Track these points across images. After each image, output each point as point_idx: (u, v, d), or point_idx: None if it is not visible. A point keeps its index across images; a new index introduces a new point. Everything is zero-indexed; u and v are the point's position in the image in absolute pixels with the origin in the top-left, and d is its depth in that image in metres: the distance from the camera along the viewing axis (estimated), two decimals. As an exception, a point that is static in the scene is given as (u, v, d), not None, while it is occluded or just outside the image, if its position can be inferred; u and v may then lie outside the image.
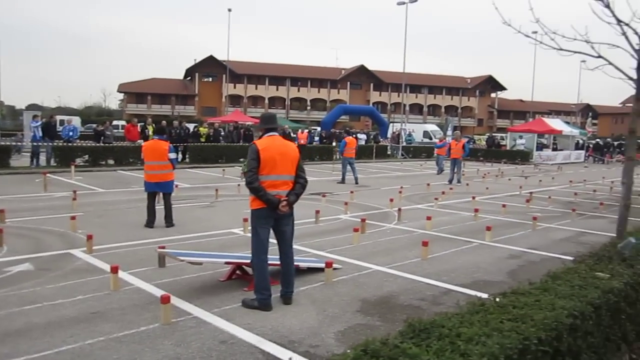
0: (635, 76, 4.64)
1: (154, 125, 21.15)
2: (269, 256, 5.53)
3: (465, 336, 2.61)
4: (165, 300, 4.86)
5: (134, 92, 76.22)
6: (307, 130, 34.19)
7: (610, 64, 4.66)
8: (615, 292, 3.81)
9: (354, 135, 23.28)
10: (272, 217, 5.42)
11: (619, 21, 4.53)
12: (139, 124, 24.65)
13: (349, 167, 18.23)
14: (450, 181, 18.95)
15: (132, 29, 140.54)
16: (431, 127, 50.50)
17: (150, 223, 9.46)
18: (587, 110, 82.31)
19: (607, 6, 4.52)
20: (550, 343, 2.89)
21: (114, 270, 5.85)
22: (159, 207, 9.70)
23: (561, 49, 4.73)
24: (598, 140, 46.06)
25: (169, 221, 9.57)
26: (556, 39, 4.69)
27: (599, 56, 4.70)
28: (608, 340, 3.83)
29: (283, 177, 5.42)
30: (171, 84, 79.28)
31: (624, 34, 4.53)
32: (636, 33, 4.52)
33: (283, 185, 5.42)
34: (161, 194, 9.77)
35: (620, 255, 4.58)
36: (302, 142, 27.47)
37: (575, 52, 4.70)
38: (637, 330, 4.43)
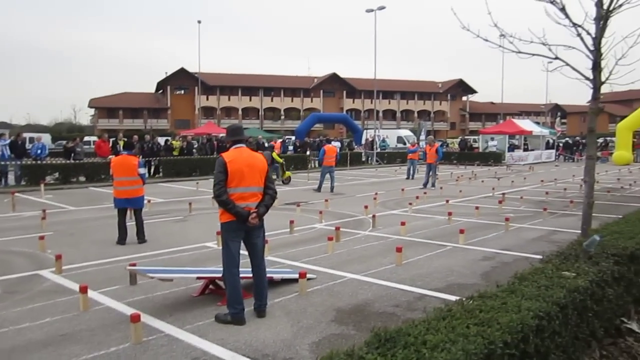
0: (591, 76, 4.74)
1: (124, 140, 20.91)
2: (241, 269, 5.48)
3: (430, 344, 2.61)
4: (135, 319, 4.76)
5: (105, 107, 75.21)
6: (280, 140, 34.12)
7: (568, 64, 4.75)
8: (580, 291, 3.85)
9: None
10: (243, 230, 5.38)
11: (573, 23, 4.63)
12: (110, 140, 24.35)
13: (327, 175, 18.17)
14: (425, 185, 19.11)
15: (102, 43, 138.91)
16: (405, 133, 50.86)
17: (121, 240, 9.31)
18: (556, 110, 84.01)
19: (562, 9, 4.62)
20: (516, 346, 2.90)
21: (83, 290, 5.73)
22: (131, 224, 9.55)
23: (520, 52, 4.82)
24: (567, 139, 46.94)
25: (141, 237, 9.43)
26: (515, 42, 4.77)
27: (556, 58, 4.78)
28: (577, 338, 3.88)
29: (251, 189, 5.38)
30: (143, 97, 78.47)
31: (578, 35, 4.63)
32: (590, 34, 4.63)
33: (252, 197, 5.38)
34: (132, 210, 9.63)
35: (586, 254, 4.64)
36: (276, 151, 27.24)
37: (534, 54, 4.78)
38: (606, 327, 4.50)
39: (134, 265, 6.75)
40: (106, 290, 6.39)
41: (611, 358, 4.39)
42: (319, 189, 17.95)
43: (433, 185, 19.19)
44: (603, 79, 4.80)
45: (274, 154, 20.62)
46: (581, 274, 4.14)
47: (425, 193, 16.56)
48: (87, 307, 5.70)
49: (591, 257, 4.63)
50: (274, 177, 19.30)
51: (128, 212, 9.67)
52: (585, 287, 3.95)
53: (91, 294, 5.96)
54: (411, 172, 23.37)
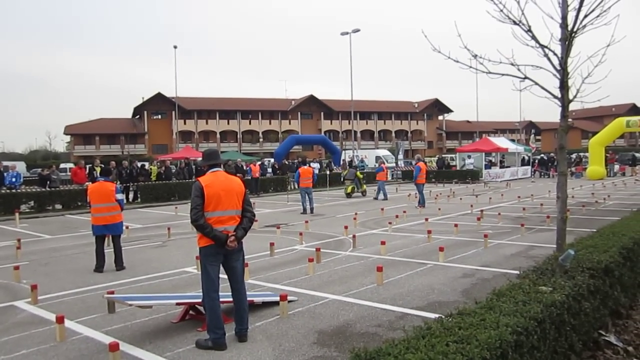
0: (559, 95, 4.88)
1: (101, 166, 20.72)
2: (221, 293, 5.45)
3: (410, 362, 2.63)
4: (113, 347, 4.69)
5: (81, 134, 74.45)
6: (259, 162, 34.02)
7: (537, 84, 4.89)
8: (557, 305, 3.91)
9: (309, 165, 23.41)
10: (221, 254, 5.37)
11: (540, 44, 4.78)
12: (86, 166, 24.08)
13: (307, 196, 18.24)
14: (420, 203, 18.98)
15: (77, 69, 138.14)
16: (383, 152, 51.41)
17: (99, 267, 9.18)
18: (530, 127, 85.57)
19: (528, 31, 4.77)
20: (495, 361, 2.93)
21: (60, 320, 5.62)
22: (109, 251, 9.43)
23: (490, 72, 4.95)
24: (542, 155, 47.70)
25: (119, 264, 9.31)
26: (485, 63, 4.90)
27: (526, 77, 4.92)
28: (555, 352, 3.92)
29: (229, 212, 5.39)
30: (119, 123, 77.90)
31: (545, 55, 4.78)
32: (556, 55, 4.77)
33: (230, 221, 5.39)
34: (110, 237, 9.52)
35: (561, 268, 4.72)
36: (256, 175, 27.14)
37: (503, 74, 4.92)
38: (584, 340, 4.55)
39: (112, 293, 6.67)
40: (84, 320, 6.28)
41: (590, 371, 4.45)
42: (304, 211, 17.96)
43: (419, 203, 18.99)
44: (571, 97, 4.95)
45: (357, 173, 25.73)
46: (557, 289, 4.21)
47: (404, 212, 16.65)
48: (64, 337, 5.59)
49: (567, 272, 4.70)
50: (355, 189, 24.71)
51: (106, 239, 9.56)
52: (561, 302, 4.01)
53: (68, 323, 5.86)
54: (381, 191, 23.02)
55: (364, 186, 25.49)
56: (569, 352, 4.27)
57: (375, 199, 22.63)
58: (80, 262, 10.03)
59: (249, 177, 26.57)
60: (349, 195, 24.40)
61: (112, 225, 9.35)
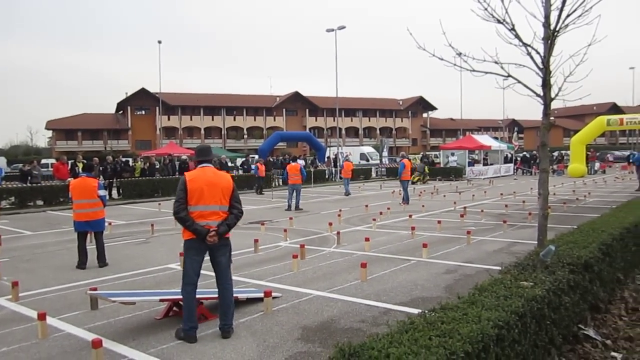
0: (542, 93, 4.95)
1: (83, 162, 20.48)
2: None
3: (394, 356, 2.65)
4: (96, 344, 4.66)
5: (63, 129, 73.45)
6: (264, 161, 33.36)
7: (520, 82, 4.95)
8: (538, 300, 3.97)
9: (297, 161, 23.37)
10: (203, 248, 5.43)
11: (523, 43, 4.84)
12: (68, 162, 23.79)
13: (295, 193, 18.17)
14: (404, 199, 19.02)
15: (59, 63, 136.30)
16: (367, 150, 51.50)
17: (81, 264, 9.10)
18: (513, 125, 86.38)
19: (512, 29, 4.83)
20: (477, 355, 2.97)
21: (42, 317, 5.57)
22: (91, 247, 9.35)
23: (474, 70, 5.00)
24: (525, 153, 48.21)
25: (101, 261, 9.23)
26: (469, 61, 4.95)
27: (509, 75, 4.98)
28: (536, 346, 3.98)
29: (212, 207, 5.42)
30: (103, 118, 77.06)
31: (528, 54, 4.84)
32: (539, 53, 4.84)
33: (213, 216, 5.41)
34: (92, 233, 9.43)
35: (542, 263, 4.79)
36: (262, 174, 26.43)
37: (487, 72, 4.97)
38: (564, 334, 4.63)
39: (94, 289, 6.61)
40: (66, 317, 6.24)
41: (570, 364, 4.53)
42: (288, 208, 17.95)
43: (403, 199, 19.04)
44: (553, 95, 5.02)
45: (426, 168, 32.81)
46: (538, 284, 4.27)
47: (388, 209, 16.73)
48: (46, 334, 5.54)
49: (548, 267, 4.77)
50: (421, 180, 31.23)
51: (88, 235, 9.47)
52: (542, 296, 4.07)
53: (50, 320, 5.81)
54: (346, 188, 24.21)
55: (427, 177, 32.14)
56: (549, 346, 4.34)
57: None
58: (62, 258, 9.94)
59: (256, 175, 26.31)
60: (414, 183, 28.95)
61: (94, 221, 9.26)
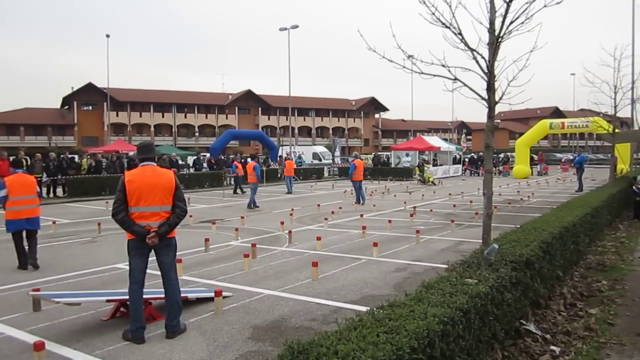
0: (486, 96, 5.12)
1: (26, 158, 19.69)
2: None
3: (342, 353, 2.70)
4: (39, 347, 4.52)
5: (4, 124, 70.36)
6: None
7: (466, 85, 5.11)
8: (482, 296, 4.11)
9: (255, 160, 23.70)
10: (146, 248, 5.36)
11: (469, 47, 5.00)
12: (9, 158, 22.81)
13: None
14: (358, 199, 19.14)
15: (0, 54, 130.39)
16: (320, 149, 51.67)
17: (23, 265, 8.75)
18: (462, 127, 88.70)
19: (458, 34, 4.98)
20: (423, 350, 3.06)
21: (-20, 320, 5.36)
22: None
23: (422, 73, 5.12)
24: (473, 154, 49.46)
25: (33, 258, 8.82)
26: (418, 64, 5.07)
27: (456, 79, 5.13)
28: (480, 341, 4.12)
29: (152, 208, 5.33)
30: (47, 113, 74.24)
31: (474, 58, 5.00)
32: (484, 58, 5.01)
33: (153, 216, 5.33)
34: (26, 232, 8.98)
35: (486, 261, 4.96)
36: (242, 172, 25.25)
37: (435, 75, 5.10)
38: (506, 329, 4.81)
39: (37, 290, 6.41)
40: (6, 319, 6.02)
41: (512, 358, 4.70)
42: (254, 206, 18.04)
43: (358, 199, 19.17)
44: (497, 98, 5.21)
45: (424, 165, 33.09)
46: (482, 281, 4.42)
47: (340, 208, 16.86)
48: (-16, 337, 5.33)
49: (491, 265, 4.94)
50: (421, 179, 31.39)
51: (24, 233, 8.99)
52: (486, 293, 4.21)
53: (-11, 323, 5.59)
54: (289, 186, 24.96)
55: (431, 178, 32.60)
56: (492, 341, 4.50)
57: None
58: (2, 259, 9.54)
59: (236, 175, 25.00)
60: (429, 183, 30.37)
61: (34, 218, 8.90)
